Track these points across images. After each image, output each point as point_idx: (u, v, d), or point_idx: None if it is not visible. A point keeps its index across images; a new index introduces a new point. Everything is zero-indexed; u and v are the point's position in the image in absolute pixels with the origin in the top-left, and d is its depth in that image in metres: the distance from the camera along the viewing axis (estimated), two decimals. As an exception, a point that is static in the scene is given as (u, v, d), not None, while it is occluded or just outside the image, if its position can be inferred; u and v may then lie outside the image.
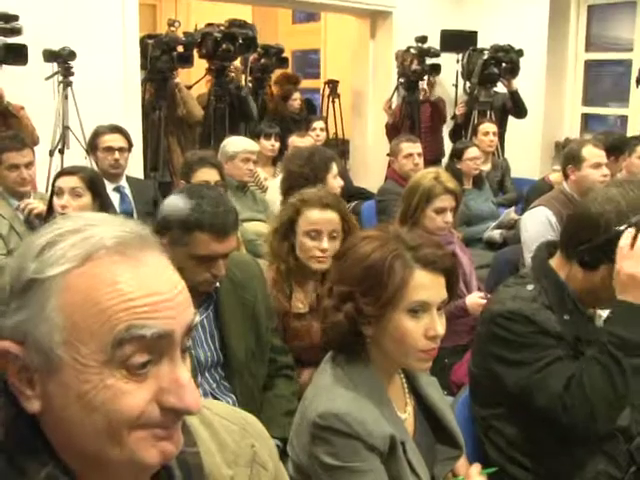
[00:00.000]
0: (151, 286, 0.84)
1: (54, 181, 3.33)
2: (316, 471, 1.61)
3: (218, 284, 2.32)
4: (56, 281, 0.81)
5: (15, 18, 4.14)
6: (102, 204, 3.29)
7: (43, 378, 0.82)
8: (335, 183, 3.92)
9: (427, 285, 1.63)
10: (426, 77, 7.18)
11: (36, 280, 0.82)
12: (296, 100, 7.20)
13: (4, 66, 4.18)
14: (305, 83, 9.20)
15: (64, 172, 3.39)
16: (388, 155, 5.66)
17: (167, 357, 0.84)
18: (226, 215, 2.19)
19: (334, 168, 3.93)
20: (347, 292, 1.68)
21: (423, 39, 7.03)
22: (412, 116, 6.87)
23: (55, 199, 3.25)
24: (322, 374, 1.76)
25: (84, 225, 0.86)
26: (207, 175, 3.70)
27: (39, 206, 3.65)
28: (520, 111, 6.78)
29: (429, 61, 7.07)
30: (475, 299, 3.25)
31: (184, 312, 0.87)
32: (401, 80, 7.07)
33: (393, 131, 6.84)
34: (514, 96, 6.76)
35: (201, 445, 0.99)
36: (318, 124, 6.38)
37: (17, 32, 4.14)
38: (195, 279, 2.15)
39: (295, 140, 5.27)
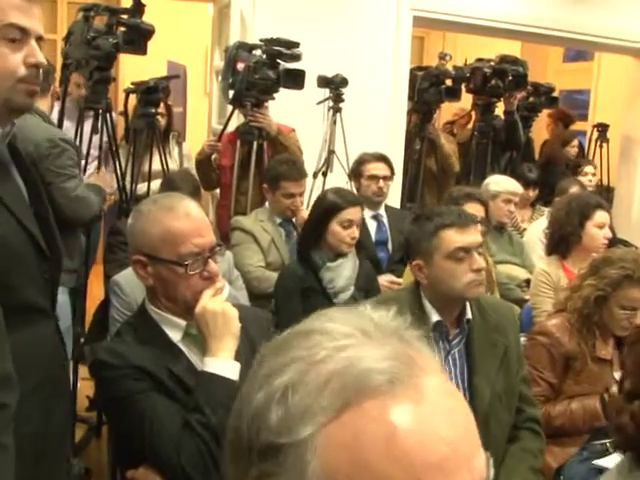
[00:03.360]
0: (438, 441, 0.63)
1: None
2: None
3: (471, 317, 2.37)
4: (312, 440, 0.62)
5: (296, 45, 4.30)
6: None
7: None
8: (598, 233, 3.69)
9: None
10: None
11: (286, 445, 0.63)
12: (574, 147, 6.94)
13: (281, 90, 4.35)
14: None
15: (354, 202, 3.38)
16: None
17: None
18: None
19: (597, 216, 3.70)
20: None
21: None
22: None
23: (340, 229, 3.28)
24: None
25: (332, 349, 0.65)
26: (473, 210, 3.62)
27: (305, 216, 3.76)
28: None
29: None
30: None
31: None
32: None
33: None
34: None
35: None
36: (589, 169, 6.11)
37: (297, 58, 4.29)
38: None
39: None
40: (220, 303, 1.84)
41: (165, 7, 6.12)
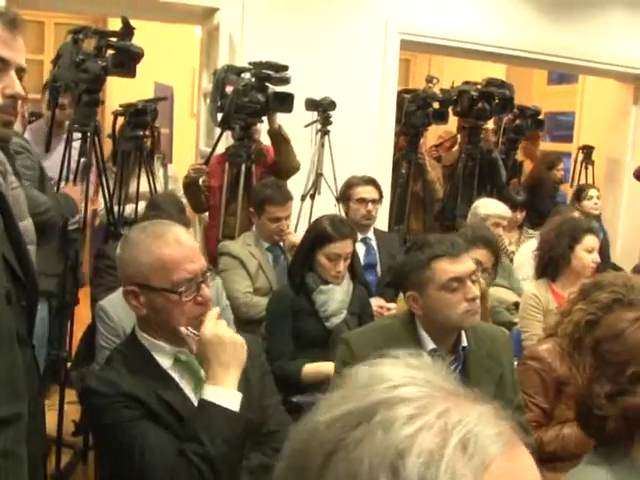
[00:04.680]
0: None
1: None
2: None
3: (466, 345, 2.37)
4: None
5: (285, 68, 4.31)
6: None
7: None
8: (586, 257, 3.70)
9: None
10: None
11: None
12: (560, 170, 6.98)
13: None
14: (554, 146, 8.92)
15: (345, 235, 3.32)
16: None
17: None
18: None
19: (586, 240, 3.71)
20: (623, 390, 1.57)
21: None
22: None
23: (325, 260, 3.26)
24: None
25: (438, 417, 0.64)
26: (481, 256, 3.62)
27: (297, 242, 3.75)
28: None
29: None
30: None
31: None
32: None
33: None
34: None
35: None
36: (593, 192, 6.13)
37: (285, 81, 4.30)
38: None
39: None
40: (229, 330, 1.81)
41: (152, 28, 6.13)
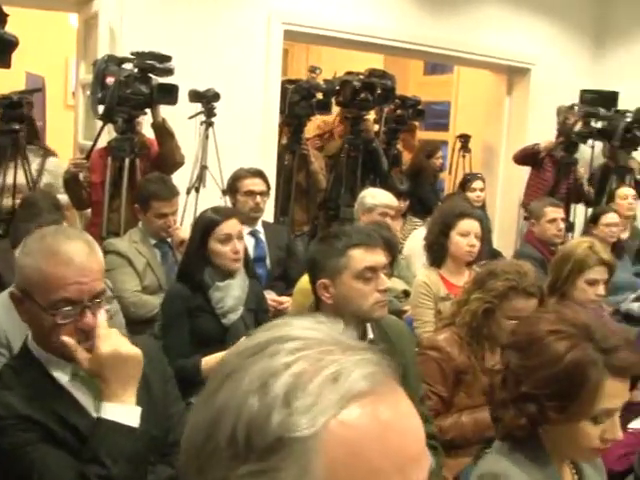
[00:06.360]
0: (415, 437, 0.73)
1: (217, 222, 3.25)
2: None
3: (372, 337, 2.40)
4: (317, 437, 0.67)
5: (169, 59, 4.20)
6: None
7: None
8: (462, 241, 3.78)
9: (616, 394, 1.54)
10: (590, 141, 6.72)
11: (293, 439, 0.67)
12: (439, 158, 7.12)
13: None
14: (430, 135, 9.11)
15: (228, 215, 3.31)
16: (526, 218, 5.48)
17: None
18: None
19: (460, 225, 3.80)
20: (532, 394, 1.58)
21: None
22: (566, 178, 6.56)
23: (219, 245, 3.19)
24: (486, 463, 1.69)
25: (319, 354, 0.72)
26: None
27: (187, 238, 3.67)
28: None
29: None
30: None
31: None
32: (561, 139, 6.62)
33: (538, 186, 6.61)
34: None
35: None
36: (478, 184, 6.23)
37: (169, 72, 4.19)
38: None
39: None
40: (124, 342, 1.71)
41: (21, 15, 5.84)
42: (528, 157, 6.66)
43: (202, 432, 0.72)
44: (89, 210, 4.70)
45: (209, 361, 3.00)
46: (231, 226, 3.21)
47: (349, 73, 5.97)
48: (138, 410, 1.68)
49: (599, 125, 6.65)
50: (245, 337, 0.80)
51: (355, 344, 0.75)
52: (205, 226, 3.21)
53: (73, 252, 1.70)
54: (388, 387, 0.73)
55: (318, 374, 0.70)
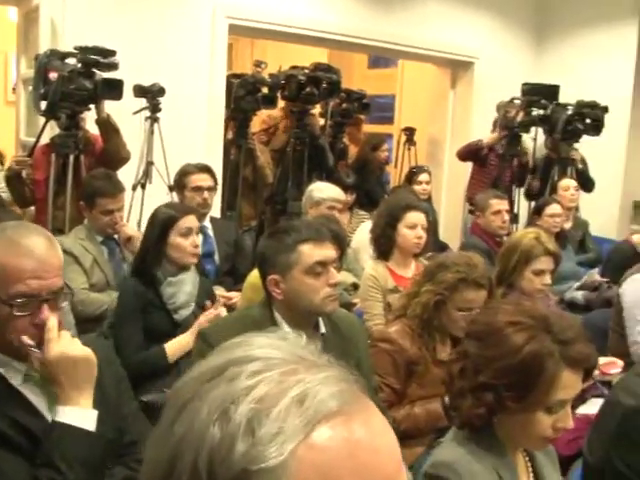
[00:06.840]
0: (389, 455, 0.70)
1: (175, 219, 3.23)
2: None
3: (324, 331, 2.40)
4: (285, 466, 0.63)
5: (113, 53, 4.14)
6: None
7: None
8: (409, 233, 3.82)
9: (571, 385, 1.58)
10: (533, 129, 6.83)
11: (259, 470, 0.63)
12: (384, 151, 7.15)
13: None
14: (375, 128, 9.16)
15: (188, 211, 3.31)
16: (471, 212, 5.54)
17: None
18: None
19: (407, 217, 3.83)
20: (490, 384, 1.61)
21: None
22: (509, 170, 6.64)
23: (180, 239, 3.17)
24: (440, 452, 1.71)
25: (282, 375, 0.68)
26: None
27: (134, 235, 3.63)
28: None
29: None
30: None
31: None
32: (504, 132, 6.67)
33: (482, 179, 6.69)
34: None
35: None
36: (424, 177, 6.28)
37: (114, 67, 4.13)
38: None
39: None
40: (79, 346, 1.68)
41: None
42: (472, 153, 6.75)
43: (161, 468, 0.68)
44: (32, 208, 4.61)
45: (171, 346, 3.04)
46: (191, 221, 3.24)
47: (294, 67, 5.95)
48: (94, 413, 1.65)
49: (541, 112, 6.74)
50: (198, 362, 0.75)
51: (319, 360, 0.72)
52: (165, 221, 3.20)
53: (34, 245, 1.68)
54: (358, 405, 0.69)
55: (282, 397, 0.66)
